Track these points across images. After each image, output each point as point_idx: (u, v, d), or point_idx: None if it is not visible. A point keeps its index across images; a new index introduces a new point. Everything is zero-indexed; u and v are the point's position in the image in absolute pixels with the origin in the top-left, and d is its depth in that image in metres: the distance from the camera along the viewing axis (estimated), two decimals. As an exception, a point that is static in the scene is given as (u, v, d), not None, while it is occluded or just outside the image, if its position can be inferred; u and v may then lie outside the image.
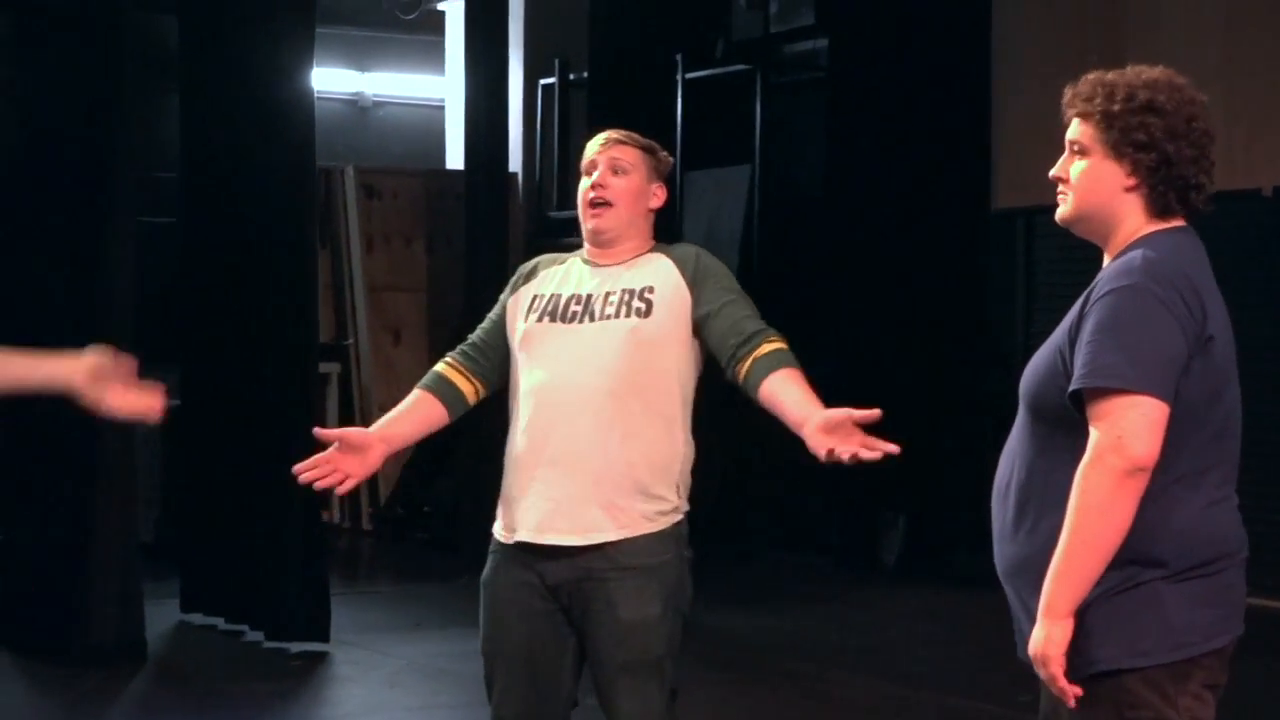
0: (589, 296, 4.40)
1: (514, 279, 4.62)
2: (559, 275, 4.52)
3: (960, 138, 11.18)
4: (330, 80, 15.52)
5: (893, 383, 10.85)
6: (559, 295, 4.43)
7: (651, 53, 11.51)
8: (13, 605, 8.98)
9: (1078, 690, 3.32)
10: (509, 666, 4.45)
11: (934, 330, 11.05)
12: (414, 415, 4.58)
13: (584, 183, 4.46)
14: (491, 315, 4.60)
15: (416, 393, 4.59)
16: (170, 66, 9.95)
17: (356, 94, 15.92)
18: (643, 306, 4.32)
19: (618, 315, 4.33)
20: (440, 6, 14.83)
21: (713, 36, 13.21)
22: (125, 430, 8.83)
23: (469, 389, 4.56)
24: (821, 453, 4.02)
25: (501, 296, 4.60)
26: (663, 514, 4.32)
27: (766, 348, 4.28)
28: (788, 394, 4.22)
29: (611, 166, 4.43)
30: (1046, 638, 3.35)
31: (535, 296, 4.47)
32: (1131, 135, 3.49)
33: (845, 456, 3.98)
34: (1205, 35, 10.28)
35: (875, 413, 4.05)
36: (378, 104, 16.09)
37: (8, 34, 9.52)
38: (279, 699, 8.02)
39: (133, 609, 8.74)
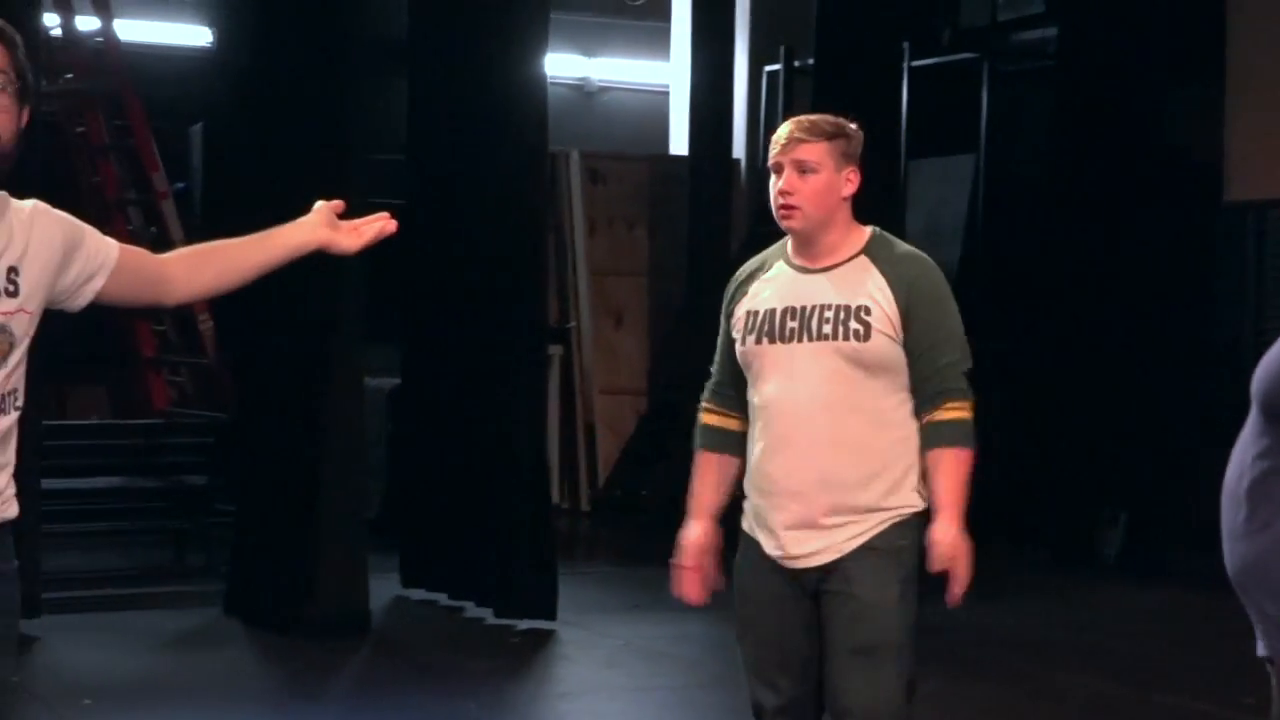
0: (802, 310, 4.38)
1: (726, 298, 4.60)
2: (768, 287, 4.48)
3: (1191, 130, 11.02)
4: (556, 65, 15.62)
5: (1116, 376, 10.77)
6: (773, 311, 4.41)
7: (878, 40, 11.47)
8: (244, 578, 9.20)
9: None
10: (763, 648, 4.51)
11: (1159, 325, 10.90)
12: (718, 480, 4.64)
13: (772, 182, 4.41)
14: (720, 342, 4.63)
15: (701, 456, 4.64)
16: (399, 50, 10.05)
17: (582, 79, 16.06)
18: (860, 330, 4.31)
19: (834, 336, 4.33)
20: (666, -1, 14.91)
21: (940, 24, 13.15)
22: (352, 409, 9.04)
23: (737, 425, 4.60)
24: (934, 568, 4.28)
25: (722, 317, 4.60)
26: (900, 506, 4.35)
27: (942, 415, 4.34)
28: (935, 480, 4.35)
29: (798, 168, 4.40)
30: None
31: (749, 314, 4.46)
32: None
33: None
34: None
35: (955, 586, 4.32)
36: (603, 89, 16.21)
37: (250, 17, 9.73)
38: (499, 675, 8.08)
39: (357, 583, 8.92)
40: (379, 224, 3.73)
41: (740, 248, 12.71)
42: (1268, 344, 3.57)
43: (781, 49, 13.36)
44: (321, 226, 3.71)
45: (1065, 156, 11.75)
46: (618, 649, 8.63)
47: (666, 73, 15.13)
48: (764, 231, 13.75)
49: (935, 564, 4.25)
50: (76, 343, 10.93)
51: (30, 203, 3.41)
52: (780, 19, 13.38)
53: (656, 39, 15.29)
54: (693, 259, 12.06)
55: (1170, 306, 10.96)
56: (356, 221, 3.74)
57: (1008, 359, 10.10)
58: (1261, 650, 3.54)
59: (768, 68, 13.76)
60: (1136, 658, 8.49)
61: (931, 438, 4.32)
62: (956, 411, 4.31)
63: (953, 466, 4.31)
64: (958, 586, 4.29)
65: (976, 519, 4.47)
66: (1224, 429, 3.77)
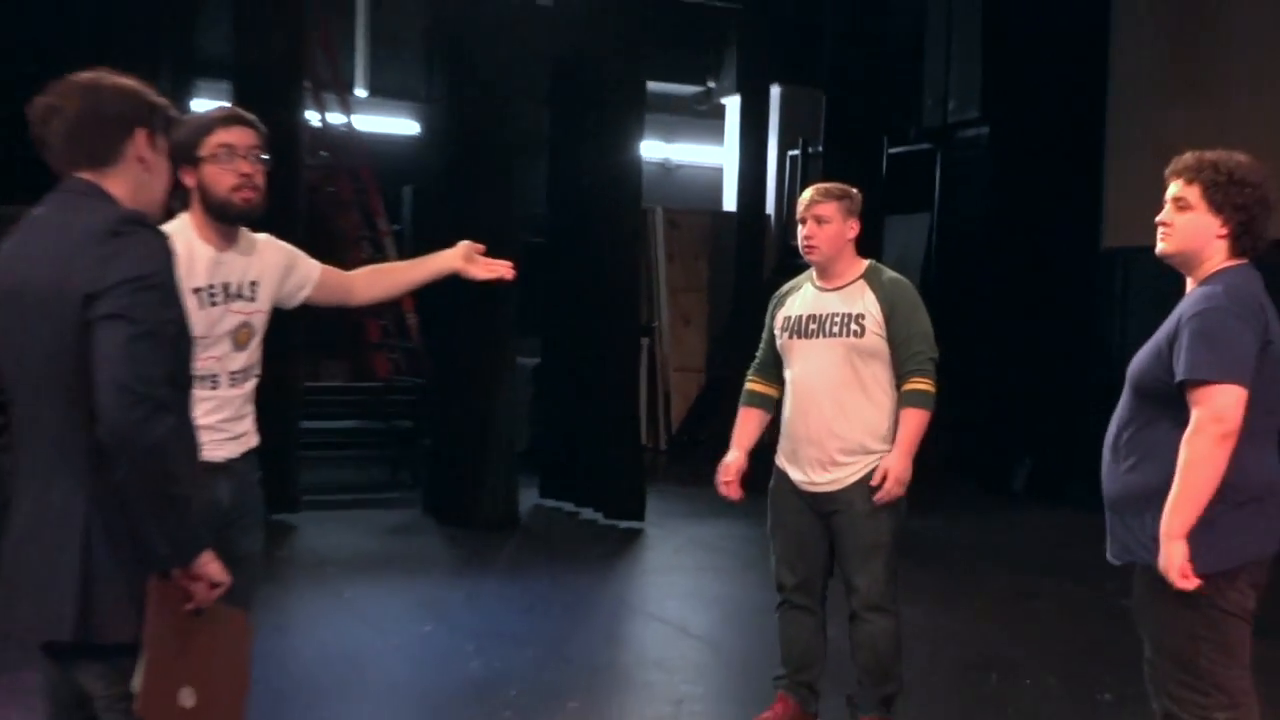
0: (820, 317, 4.45)
1: (771, 305, 4.73)
2: (798, 300, 4.57)
3: (1077, 195, 10.91)
4: (647, 150, 15.65)
5: (1029, 364, 10.72)
6: (800, 316, 4.52)
7: (865, 135, 11.43)
8: (435, 489, 9.27)
9: (1196, 582, 3.27)
10: (785, 545, 4.58)
11: (1059, 331, 10.80)
12: (754, 425, 4.72)
13: (799, 230, 4.54)
14: (765, 336, 4.72)
15: (744, 410, 4.75)
16: (544, 136, 10.07)
17: (664, 159, 16.01)
18: (858, 330, 4.39)
19: (842, 334, 4.41)
20: (723, 101, 14.88)
21: (908, 124, 13.09)
22: (510, 377, 9.08)
23: (772, 391, 4.71)
24: (874, 480, 4.36)
25: (767, 319, 4.71)
26: (884, 450, 4.39)
27: (910, 386, 4.42)
28: (900, 428, 4.41)
29: (817, 220, 4.47)
30: (1169, 554, 3.29)
31: (785, 318, 4.59)
32: (1232, 199, 3.46)
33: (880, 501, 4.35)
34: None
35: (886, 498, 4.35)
36: (678, 166, 16.18)
37: (443, 116, 9.76)
38: (605, 557, 8.17)
39: (511, 494, 8.99)
40: (502, 268, 3.92)
41: (770, 274, 12.75)
42: (1130, 351, 3.59)
43: (800, 139, 13.34)
44: (459, 258, 3.87)
45: (995, 215, 11.61)
46: (685, 542, 8.65)
47: (721, 155, 15.13)
48: (789, 264, 13.74)
49: (876, 478, 4.35)
50: (326, 330, 11.03)
51: (263, 236, 3.58)
52: (799, 119, 13.33)
53: (715, 132, 15.28)
54: (737, 281, 12.04)
55: (1066, 318, 10.84)
56: (488, 260, 3.92)
57: (952, 353, 10.10)
58: (1110, 555, 3.54)
59: (790, 152, 13.73)
60: (1040, 556, 8.45)
61: (902, 400, 4.41)
62: (921, 384, 4.41)
63: (911, 421, 4.40)
64: (886, 494, 4.34)
65: (928, 460, 4.53)
66: (1102, 400, 3.76)
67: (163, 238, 2.54)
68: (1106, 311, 10.99)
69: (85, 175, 2.56)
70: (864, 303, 4.42)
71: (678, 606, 6.80)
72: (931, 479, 11.48)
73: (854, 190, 4.58)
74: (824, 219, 4.45)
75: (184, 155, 3.38)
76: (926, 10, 13.30)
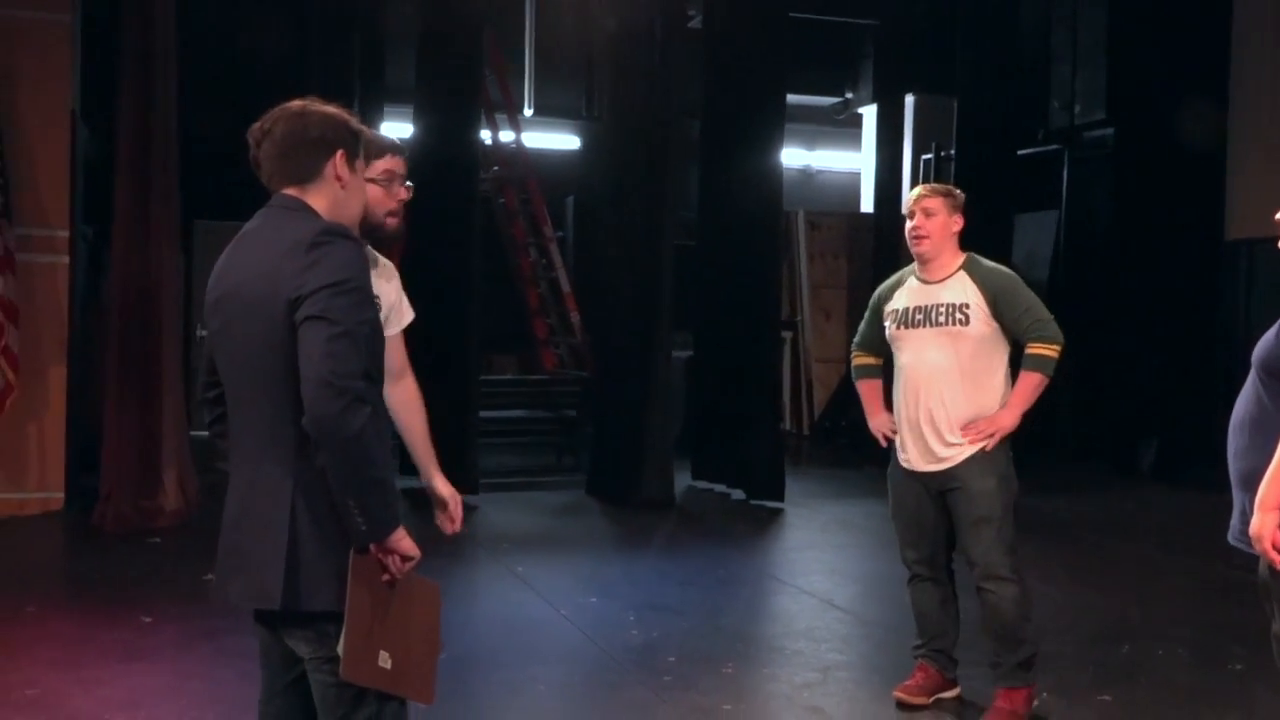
0: (925, 308, 4.40)
1: (875, 298, 4.72)
2: (904, 293, 4.52)
3: (1200, 191, 10.56)
4: (790, 158, 15.55)
5: (1158, 349, 10.42)
6: (907, 309, 4.47)
7: (996, 138, 11.14)
8: (599, 472, 9.33)
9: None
10: (906, 525, 4.57)
11: (1183, 321, 10.46)
12: (877, 390, 4.76)
13: (907, 225, 4.50)
14: (868, 317, 4.73)
15: (862, 383, 4.79)
16: (694, 150, 10.07)
17: (806, 165, 15.89)
18: (963, 319, 4.33)
19: (948, 323, 4.34)
20: (860, 110, 14.70)
21: (1036, 126, 12.80)
22: (665, 370, 9.10)
23: (878, 360, 4.75)
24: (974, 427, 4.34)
25: (872, 305, 4.70)
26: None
27: (1031, 350, 4.36)
28: (1015, 387, 4.39)
29: (924, 212, 4.42)
30: (1260, 523, 3.18)
31: (892, 311, 4.53)
32: None
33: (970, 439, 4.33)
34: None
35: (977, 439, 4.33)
36: (819, 172, 16.03)
37: (608, 134, 9.81)
38: (752, 535, 8.13)
39: (667, 476, 9.00)
40: (450, 525, 3.26)
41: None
42: (1252, 332, 3.45)
43: (934, 145, 13.10)
44: (440, 502, 3.26)
45: (1121, 213, 11.30)
46: (826, 521, 8.56)
47: (859, 161, 14.91)
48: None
49: (978, 431, 4.33)
50: (498, 327, 11.21)
51: (387, 262, 3.38)
52: (932, 125, 13.08)
53: (853, 139, 15.08)
54: (875, 278, 11.80)
55: (1191, 307, 10.50)
56: (455, 515, 3.27)
57: (1080, 341, 9.89)
58: (1231, 537, 3.41)
59: (924, 156, 13.48)
60: (1167, 534, 8.19)
61: (1024, 363, 4.36)
62: (1039, 349, 4.34)
63: (1026, 382, 4.36)
64: (986, 439, 4.32)
65: (1062, 442, 4.44)
66: (1226, 384, 3.63)
67: (359, 247, 2.60)
68: (1230, 300, 10.61)
69: (291, 191, 2.64)
70: (967, 293, 4.34)
71: (822, 580, 6.73)
72: (1064, 460, 11.34)
73: (957, 190, 4.56)
74: (931, 211, 4.42)
75: None
76: (1052, 18, 13.00)
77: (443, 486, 3.37)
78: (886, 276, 11.80)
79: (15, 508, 7.97)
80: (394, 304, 3.35)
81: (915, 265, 4.53)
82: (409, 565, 2.57)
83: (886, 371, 4.67)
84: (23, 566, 6.79)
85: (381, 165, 3.30)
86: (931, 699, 4.55)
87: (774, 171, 9.37)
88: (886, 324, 4.53)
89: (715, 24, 9.81)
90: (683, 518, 8.57)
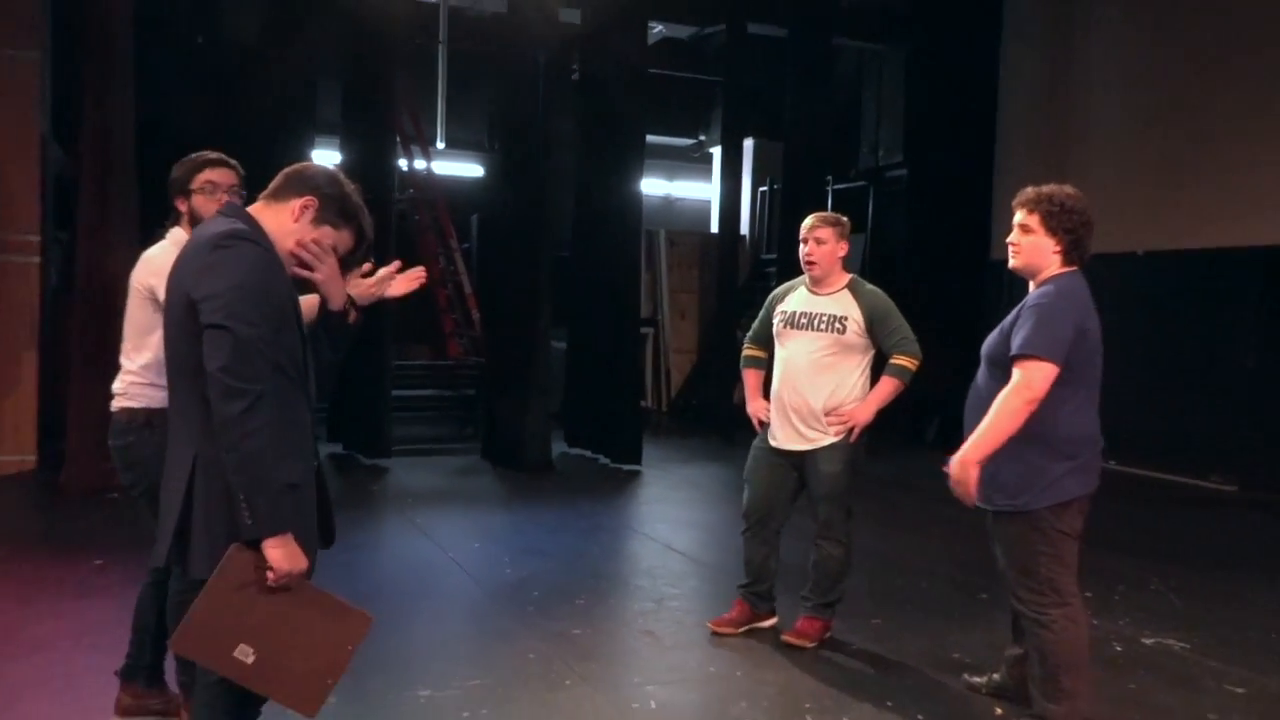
0: (810, 315, 4.42)
1: (770, 299, 4.69)
2: (795, 299, 4.53)
3: (971, 220, 10.83)
4: (654, 187, 15.60)
5: (938, 349, 10.58)
6: (795, 312, 4.47)
7: (815, 173, 11.32)
8: (492, 440, 9.23)
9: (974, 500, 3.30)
10: (755, 490, 4.58)
11: (959, 321, 10.64)
12: (758, 378, 4.69)
13: (801, 249, 4.47)
14: (761, 316, 4.68)
15: (748, 371, 4.71)
16: (570, 179, 10.02)
17: (667, 194, 15.98)
18: (840, 328, 4.36)
19: (827, 330, 4.37)
20: (711, 150, 14.80)
21: (848, 166, 13.03)
22: (546, 357, 9.05)
23: (764, 355, 4.68)
24: (836, 418, 4.38)
25: (766, 305, 4.67)
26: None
27: (892, 360, 4.40)
28: (875, 388, 4.42)
29: (815, 240, 4.42)
30: (965, 474, 3.29)
31: (781, 311, 4.53)
32: (1064, 224, 3.45)
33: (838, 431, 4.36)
34: (1116, 152, 9.76)
35: (840, 429, 4.37)
36: (678, 199, 16.13)
37: (500, 164, 9.65)
38: (614, 492, 8.10)
39: (547, 445, 8.95)
40: (416, 275, 3.03)
41: (744, 281, 12.74)
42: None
43: (768, 179, 13.29)
44: (378, 287, 2.95)
45: (913, 236, 11.53)
46: (678, 480, 8.58)
47: (710, 190, 15.04)
48: (758, 273, 13.64)
49: (840, 418, 4.36)
50: (414, 322, 11.05)
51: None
52: (766, 164, 13.28)
53: (705, 173, 15.21)
54: (720, 286, 11.95)
55: (964, 309, 10.71)
56: (403, 276, 3.02)
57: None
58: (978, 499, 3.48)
59: (760, 188, 13.67)
60: (943, 490, 8.37)
61: (886, 370, 4.40)
62: (901, 360, 4.40)
63: (885, 385, 4.41)
64: (839, 421, 4.37)
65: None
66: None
67: (259, 250, 2.38)
68: (994, 306, 10.88)
69: (257, 204, 2.51)
70: (848, 308, 4.37)
71: (666, 528, 6.76)
72: (867, 431, 11.51)
73: (845, 219, 4.52)
74: (822, 240, 4.40)
75: (179, 187, 3.39)
76: (862, 82, 13.24)
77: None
78: (728, 285, 11.93)
79: (-7, 469, 7.68)
80: None
81: (806, 277, 4.51)
82: (280, 576, 2.30)
83: (768, 368, 4.64)
84: (-6, 518, 6.54)
85: (203, 177, 3.36)
86: (740, 630, 4.58)
87: (635, 198, 9.36)
88: (775, 321, 4.52)
89: (590, 77, 9.80)
90: (558, 478, 8.54)
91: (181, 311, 2.35)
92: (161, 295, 2.69)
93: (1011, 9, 11.04)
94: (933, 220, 11.14)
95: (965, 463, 3.27)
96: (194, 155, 3.42)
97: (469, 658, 4.24)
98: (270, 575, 2.29)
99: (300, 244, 2.51)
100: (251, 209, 2.52)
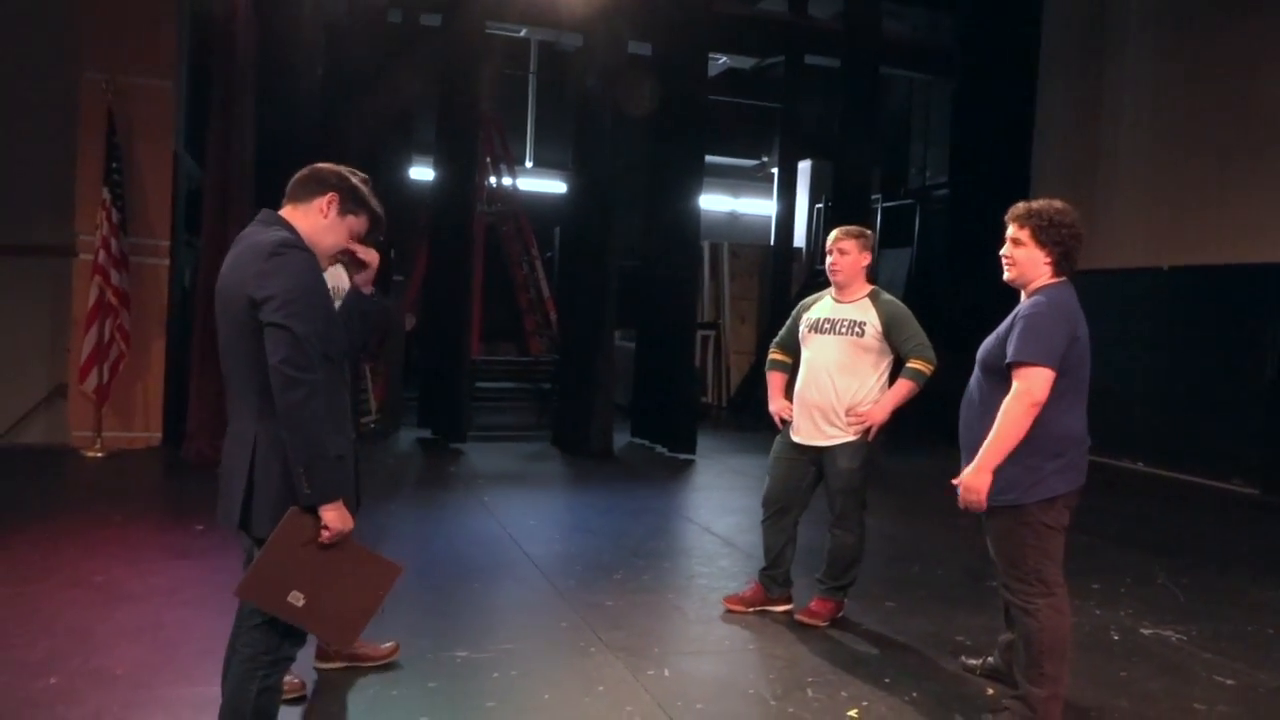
0: (833, 320, 4.31)
1: (798, 308, 4.59)
2: (820, 307, 4.43)
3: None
4: (720, 203, 15.50)
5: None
6: (820, 319, 4.36)
7: (865, 193, 11.08)
8: (561, 430, 9.26)
9: (983, 506, 3.18)
10: (775, 481, 4.48)
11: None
12: (782, 382, 4.57)
13: (827, 259, 4.38)
14: (789, 323, 4.57)
15: (773, 374, 4.59)
16: (640, 196, 9.97)
17: (732, 210, 15.89)
18: (859, 332, 4.24)
19: (847, 334, 4.25)
20: (773, 170, 14.65)
21: (897, 185, 12.78)
22: (612, 355, 9.04)
23: (789, 359, 4.57)
24: (854, 416, 4.24)
25: (794, 314, 4.56)
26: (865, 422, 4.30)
27: (909, 364, 4.23)
28: (891, 389, 4.26)
29: (839, 251, 4.33)
30: (978, 481, 3.18)
31: (808, 319, 4.42)
32: (1053, 236, 3.30)
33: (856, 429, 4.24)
34: (1139, 172, 9.40)
35: (859, 427, 4.24)
36: (740, 215, 16.02)
37: (582, 181, 9.69)
38: (666, 479, 8.02)
39: (608, 434, 8.92)
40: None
41: (798, 290, 12.54)
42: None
43: (823, 196, 13.09)
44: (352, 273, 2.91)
45: (955, 251, 11.21)
46: (725, 468, 8.49)
47: (770, 207, 14.89)
48: (812, 283, 13.47)
49: (858, 417, 4.23)
50: (502, 323, 11.14)
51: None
52: (820, 183, 13.09)
53: (767, 191, 15.05)
54: (773, 294, 11.81)
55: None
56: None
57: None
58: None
59: (817, 205, 13.48)
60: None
61: (902, 373, 4.24)
62: (916, 364, 4.23)
63: (901, 388, 4.24)
64: (858, 419, 4.24)
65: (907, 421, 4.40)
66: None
67: (311, 257, 2.49)
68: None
69: (285, 209, 2.56)
70: (868, 315, 4.27)
71: (708, 513, 6.69)
72: (905, 433, 11.33)
73: (869, 231, 4.42)
74: (845, 251, 4.31)
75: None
76: (912, 109, 12.97)
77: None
78: (783, 293, 11.82)
79: (125, 443, 7.92)
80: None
81: (833, 288, 4.43)
82: (335, 535, 2.42)
83: (792, 372, 4.55)
84: (121, 487, 6.73)
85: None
86: (750, 610, 4.49)
87: (694, 214, 9.29)
88: (802, 328, 4.44)
89: (656, 104, 9.74)
90: (618, 465, 8.50)
91: (241, 310, 2.42)
92: None
93: (1047, 42, 10.70)
94: (975, 235, 10.77)
95: (980, 470, 3.16)
96: (364, 198, 3.40)
97: (507, 624, 4.22)
98: (325, 534, 2.41)
99: (353, 245, 2.64)
100: (284, 214, 2.56)
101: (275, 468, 2.41)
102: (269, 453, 2.42)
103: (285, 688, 3.11)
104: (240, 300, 2.41)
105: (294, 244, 2.47)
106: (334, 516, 2.40)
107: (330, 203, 2.56)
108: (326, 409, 2.37)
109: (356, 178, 2.61)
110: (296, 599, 2.43)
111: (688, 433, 8.96)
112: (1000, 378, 3.26)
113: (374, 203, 2.64)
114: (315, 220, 2.56)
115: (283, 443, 2.37)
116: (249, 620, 2.55)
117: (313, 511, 2.40)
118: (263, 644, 2.52)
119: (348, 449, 2.55)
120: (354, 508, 2.55)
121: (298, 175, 2.59)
